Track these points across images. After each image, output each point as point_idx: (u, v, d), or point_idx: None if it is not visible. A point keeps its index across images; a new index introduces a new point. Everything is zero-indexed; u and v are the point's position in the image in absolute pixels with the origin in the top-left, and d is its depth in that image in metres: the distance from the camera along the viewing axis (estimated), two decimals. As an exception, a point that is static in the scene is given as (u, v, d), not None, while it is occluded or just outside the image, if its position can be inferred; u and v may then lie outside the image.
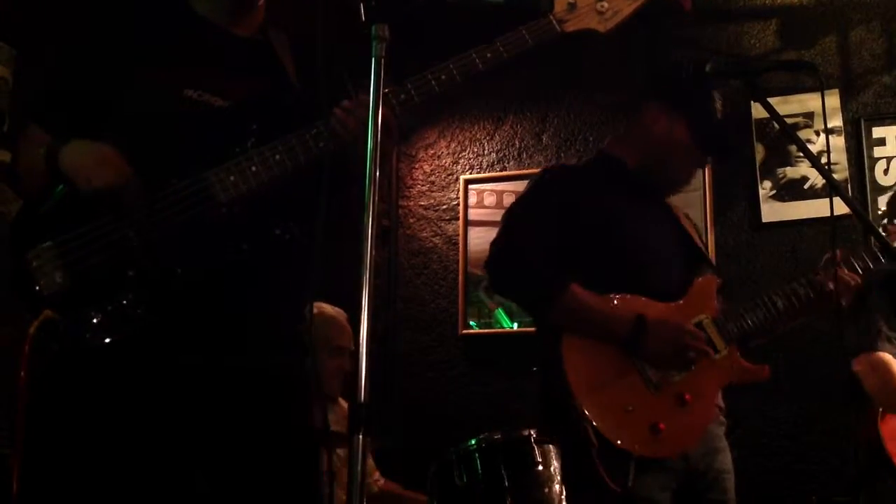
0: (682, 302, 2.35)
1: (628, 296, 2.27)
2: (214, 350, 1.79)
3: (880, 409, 2.95)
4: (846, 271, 2.42)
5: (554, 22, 1.79)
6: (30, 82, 2.04)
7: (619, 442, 2.12)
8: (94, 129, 1.82)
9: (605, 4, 1.79)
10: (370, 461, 3.50)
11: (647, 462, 2.14)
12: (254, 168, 1.78)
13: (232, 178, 1.77)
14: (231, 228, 1.79)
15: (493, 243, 2.36)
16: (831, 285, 2.33)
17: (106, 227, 1.75)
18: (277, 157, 1.78)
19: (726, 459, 2.38)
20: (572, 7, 1.78)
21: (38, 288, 1.74)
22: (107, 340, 1.72)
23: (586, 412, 2.12)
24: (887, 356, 2.98)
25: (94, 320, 1.72)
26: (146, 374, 1.76)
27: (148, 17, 1.94)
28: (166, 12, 1.96)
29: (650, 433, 2.15)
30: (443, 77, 1.85)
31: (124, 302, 1.72)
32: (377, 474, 3.51)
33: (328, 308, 3.19)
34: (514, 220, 2.40)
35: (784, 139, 4.09)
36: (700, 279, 2.40)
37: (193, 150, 1.79)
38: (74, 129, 1.83)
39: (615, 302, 2.25)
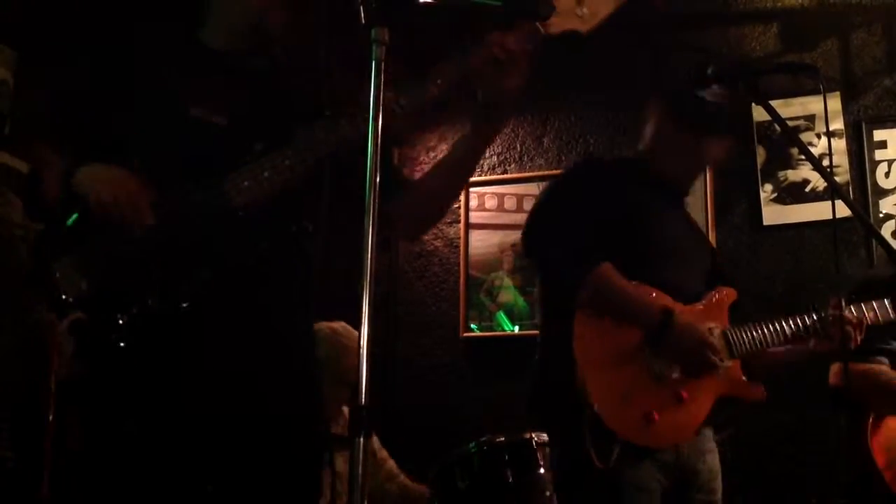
0: (699, 307, 2.36)
1: (655, 289, 2.29)
2: (235, 357, 1.83)
3: (870, 421, 2.90)
4: (854, 316, 2.45)
5: (538, 26, 1.83)
6: (38, 103, 2.10)
7: (609, 423, 2.13)
8: (104, 151, 1.88)
9: (584, 10, 1.83)
10: (392, 463, 3.50)
11: (637, 450, 2.16)
12: (266, 174, 1.82)
13: (246, 182, 1.82)
14: (248, 229, 1.83)
15: (535, 209, 2.40)
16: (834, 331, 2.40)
17: (121, 239, 1.79)
18: (287, 162, 1.82)
19: (714, 461, 2.40)
20: (552, 6, 1.83)
21: (63, 296, 1.79)
22: (131, 342, 1.76)
23: (587, 387, 2.13)
24: (867, 366, 2.93)
25: (120, 322, 1.76)
26: (169, 375, 1.80)
27: (155, 41, 2.01)
28: (173, 37, 2.03)
29: (642, 421, 2.17)
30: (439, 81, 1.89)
31: (148, 304, 1.77)
32: (403, 476, 3.50)
33: (342, 332, 3.16)
34: (557, 194, 2.44)
35: (785, 142, 4.09)
36: (719, 289, 2.44)
37: (201, 168, 1.83)
38: (84, 151, 1.89)
39: (643, 290, 2.27)
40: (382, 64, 1.56)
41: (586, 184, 2.43)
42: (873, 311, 2.54)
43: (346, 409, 3.25)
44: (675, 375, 2.24)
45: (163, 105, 1.89)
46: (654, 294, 2.29)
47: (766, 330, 2.41)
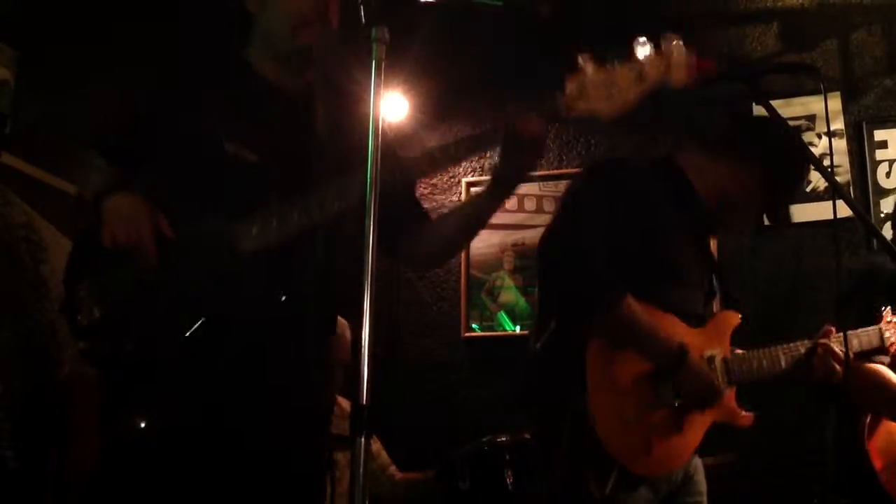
0: (703, 329, 2.36)
1: (664, 314, 2.26)
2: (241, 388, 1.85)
3: (867, 423, 2.89)
4: (840, 351, 2.47)
5: (561, 104, 1.76)
6: (97, 114, 2.17)
7: (610, 449, 2.12)
8: (142, 170, 1.97)
9: (614, 90, 1.72)
10: (384, 455, 3.51)
11: (633, 477, 2.15)
12: (274, 223, 1.84)
13: (255, 230, 1.84)
14: (260, 277, 1.85)
15: (553, 232, 2.28)
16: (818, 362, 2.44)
17: (132, 275, 1.85)
18: (295, 215, 1.84)
19: (696, 461, 2.41)
20: (582, 87, 1.73)
21: (79, 317, 1.88)
22: (136, 367, 1.82)
23: (593, 412, 2.12)
24: (873, 366, 2.93)
25: (128, 348, 1.83)
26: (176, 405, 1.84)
27: (200, 64, 2.06)
28: (218, 60, 2.06)
29: (642, 450, 2.16)
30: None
31: (154, 334, 1.82)
32: (393, 468, 3.51)
33: None
34: (577, 210, 2.31)
35: (786, 142, 4.09)
36: (723, 313, 2.43)
37: (225, 202, 1.88)
38: (127, 164, 1.97)
39: (660, 323, 2.24)
40: (383, 63, 1.56)
41: (609, 195, 2.30)
42: (864, 337, 2.58)
43: (342, 401, 3.26)
44: (678, 403, 2.23)
45: (198, 137, 1.93)
46: (666, 323, 2.26)
47: (764, 361, 2.42)
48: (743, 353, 2.43)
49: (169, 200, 1.89)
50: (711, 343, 2.36)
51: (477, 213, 2.05)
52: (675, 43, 1.71)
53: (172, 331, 1.81)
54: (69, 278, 1.94)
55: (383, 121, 1.57)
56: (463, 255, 4.48)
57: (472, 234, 2.18)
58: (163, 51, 2.12)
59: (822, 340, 2.49)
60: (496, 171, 1.94)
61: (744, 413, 2.40)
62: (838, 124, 4.06)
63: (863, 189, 4.01)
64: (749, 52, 4.30)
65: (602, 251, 2.19)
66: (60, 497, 2.75)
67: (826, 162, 3.67)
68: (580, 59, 1.74)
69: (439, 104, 4.64)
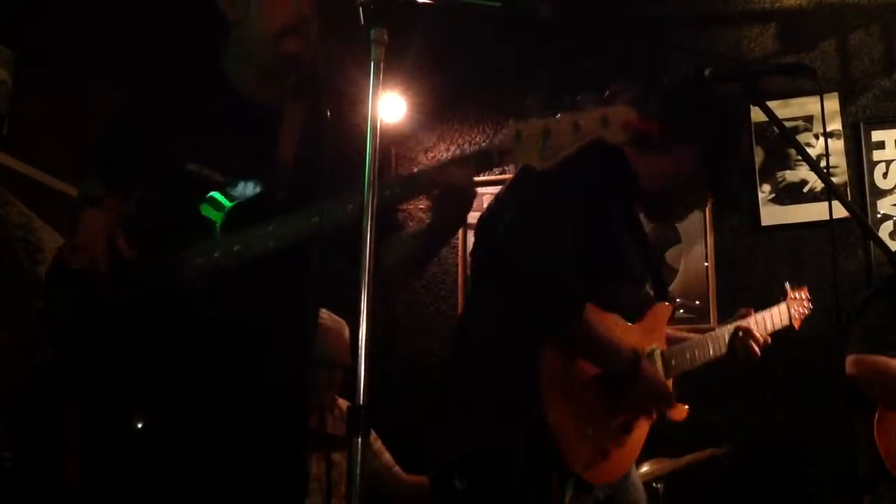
0: (641, 325, 2.33)
1: (607, 315, 2.22)
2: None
3: (877, 413, 2.95)
4: (759, 332, 2.54)
5: (495, 154, 1.77)
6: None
7: (568, 457, 2.08)
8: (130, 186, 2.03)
9: (550, 142, 1.73)
10: (387, 455, 3.50)
11: (585, 484, 2.14)
12: (217, 254, 1.86)
13: (199, 260, 1.86)
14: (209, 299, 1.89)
15: (510, 226, 2.17)
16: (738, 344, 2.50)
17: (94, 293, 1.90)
18: (236, 248, 1.85)
19: (634, 473, 2.41)
20: (518, 137, 1.74)
21: (53, 325, 1.95)
22: (104, 378, 1.88)
23: (549, 418, 2.06)
24: (884, 358, 2.99)
25: (97, 357, 1.89)
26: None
27: (171, 79, 2.07)
28: (190, 73, 2.07)
29: (596, 457, 2.14)
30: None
31: (119, 349, 1.88)
32: (398, 468, 3.51)
33: (326, 318, 3.17)
34: (536, 206, 2.21)
35: (783, 143, 4.10)
36: (658, 306, 2.40)
37: (183, 223, 1.91)
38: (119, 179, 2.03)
39: (614, 330, 2.22)
40: (381, 64, 1.57)
41: (564, 189, 2.21)
42: (776, 317, 2.65)
43: (342, 402, 3.26)
44: (623, 406, 2.21)
45: (161, 156, 1.95)
46: (610, 323, 2.22)
47: (696, 351, 2.44)
48: (677, 346, 2.42)
49: (139, 220, 1.96)
50: (650, 338, 2.34)
51: (415, 256, 2.05)
52: (619, 101, 1.71)
53: (125, 351, 1.87)
54: (49, 284, 1.98)
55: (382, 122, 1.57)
56: (460, 255, 4.48)
57: (411, 272, 2.24)
58: (138, 67, 2.14)
59: (740, 323, 2.54)
60: (430, 223, 1.95)
61: (679, 406, 2.39)
62: (835, 125, 4.07)
63: (860, 190, 4.02)
64: (747, 53, 4.31)
65: (560, 251, 2.12)
66: (57, 498, 2.75)
67: (823, 163, 3.69)
68: (528, 103, 1.75)
69: (438, 105, 4.65)
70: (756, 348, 2.50)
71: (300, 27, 1.95)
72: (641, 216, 2.48)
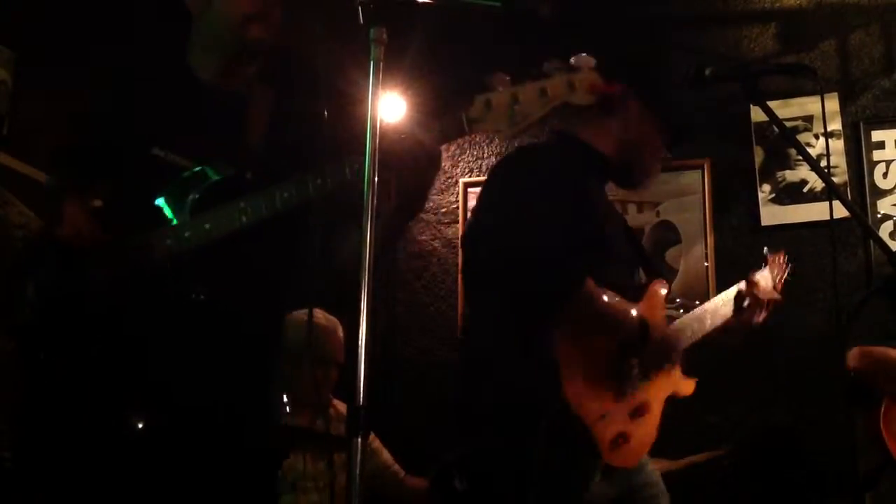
0: (640, 305, 2.30)
1: (610, 291, 2.21)
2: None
3: (882, 406, 2.95)
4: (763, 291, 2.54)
5: (464, 122, 1.77)
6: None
7: (597, 439, 2.10)
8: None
9: (517, 108, 1.75)
10: (386, 454, 3.50)
11: (609, 468, 2.15)
12: (187, 234, 1.90)
13: (168, 241, 1.90)
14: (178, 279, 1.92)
15: (488, 231, 2.18)
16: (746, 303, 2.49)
17: (65, 277, 1.93)
18: (207, 226, 1.89)
19: (653, 473, 2.40)
20: (487, 105, 1.75)
21: (15, 316, 1.96)
22: (63, 368, 1.90)
23: (577, 411, 2.08)
24: (885, 348, 2.99)
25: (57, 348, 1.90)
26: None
27: (137, 71, 2.12)
28: (156, 66, 2.11)
29: (617, 441, 2.14)
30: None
31: (84, 336, 1.90)
32: (396, 467, 3.51)
33: (320, 317, 3.17)
34: (510, 206, 2.21)
35: (783, 142, 4.10)
36: (654, 284, 2.38)
37: (155, 207, 1.95)
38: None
39: (617, 299, 2.21)
40: (381, 64, 1.57)
41: (534, 183, 2.24)
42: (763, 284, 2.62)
43: (338, 403, 3.26)
44: (638, 388, 2.21)
45: (129, 142, 2.00)
46: (616, 298, 2.21)
47: (695, 325, 2.43)
48: (677, 323, 2.41)
49: (112, 207, 1.99)
50: (650, 316, 2.31)
51: (382, 239, 2.07)
52: (582, 64, 1.74)
53: (93, 335, 1.89)
54: (12, 275, 1.99)
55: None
56: (459, 254, 4.48)
57: (378, 256, 2.25)
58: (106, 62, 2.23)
59: (741, 285, 2.55)
60: (395, 203, 1.93)
61: (687, 381, 2.41)
62: (836, 125, 4.07)
63: (860, 190, 4.02)
64: (747, 53, 4.31)
65: (555, 237, 2.12)
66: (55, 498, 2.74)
67: (823, 163, 3.68)
68: (492, 80, 1.76)
69: (438, 105, 4.64)
70: (759, 301, 2.49)
71: (264, 12, 2.00)
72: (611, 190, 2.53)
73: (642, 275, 2.51)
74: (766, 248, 2.79)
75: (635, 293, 2.32)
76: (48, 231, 1.99)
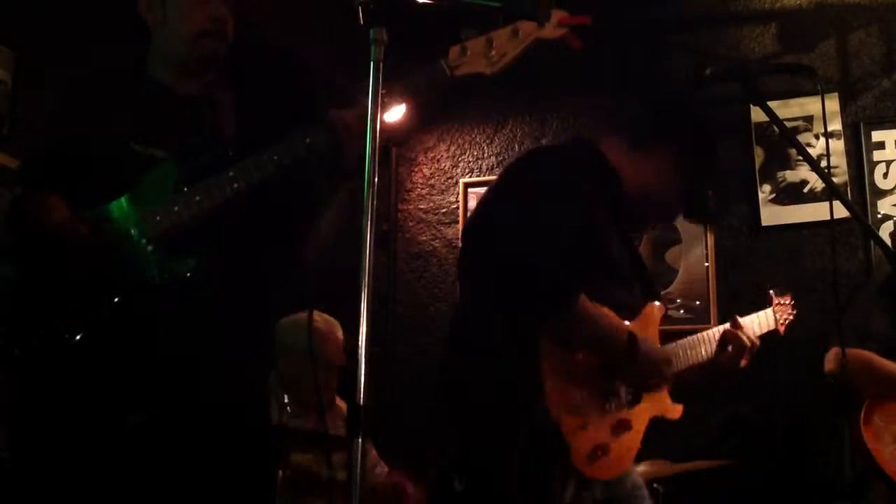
0: (635, 323, 2.31)
1: (605, 308, 2.21)
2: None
3: (863, 412, 2.94)
4: (746, 337, 2.48)
5: (445, 67, 1.95)
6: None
7: (573, 449, 2.07)
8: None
9: (493, 52, 1.92)
10: (373, 453, 3.50)
11: (586, 480, 2.13)
12: (176, 208, 1.99)
13: (158, 217, 1.99)
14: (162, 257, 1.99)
15: (498, 228, 2.15)
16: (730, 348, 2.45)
17: (46, 266, 1.98)
18: (198, 198, 1.98)
19: (636, 476, 2.40)
20: (464, 51, 1.93)
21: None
22: (41, 361, 1.94)
23: (555, 420, 2.05)
24: (860, 351, 2.99)
25: (33, 342, 1.94)
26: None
27: (103, 80, 2.24)
28: (120, 74, 2.25)
29: (597, 452, 2.12)
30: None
31: (60, 326, 1.93)
32: (380, 467, 3.51)
33: (318, 320, 3.16)
34: (521, 206, 2.18)
35: (783, 143, 4.10)
36: (651, 305, 2.39)
37: (136, 193, 2.03)
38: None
39: (609, 316, 2.20)
40: (381, 64, 1.57)
41: (549, 186, 2.22)
42: (762, 321, 2.64)
43: (340, 402, 3.26)
44: (623, 404, 2.21)
45: (108, 140, 2.09)
46: (610, 315, 2.21)
47: (688, 351, 2.43)
48: (669, 346, 2.41)
49: (90, 201, 2.04)
50: (642, 335, 2.29)
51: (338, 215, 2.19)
52: (547, 2, 1.83)
53: (78, 316, 1.93)
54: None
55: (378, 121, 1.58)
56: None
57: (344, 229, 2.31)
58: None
59: (727, 327, 2.51)
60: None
61: (674, 405, 2.39)
62: (836, 125, 4.07)
63: (860, 190, 4.01)
64: (747, 53, 4.31)
65: (557, 248, 2.10)
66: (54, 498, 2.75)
67: (823, 163, 3.69)
68: (462, 33, 1.88)
69: (437, 105, 4.64)
70: (743, 347, 2.45)
71: (215, 28, 2.14)
72: None
73: (641, 298, 2.48)
74: (771, 290, 2.78)
75: (632, 312, 2.32)
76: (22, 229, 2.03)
